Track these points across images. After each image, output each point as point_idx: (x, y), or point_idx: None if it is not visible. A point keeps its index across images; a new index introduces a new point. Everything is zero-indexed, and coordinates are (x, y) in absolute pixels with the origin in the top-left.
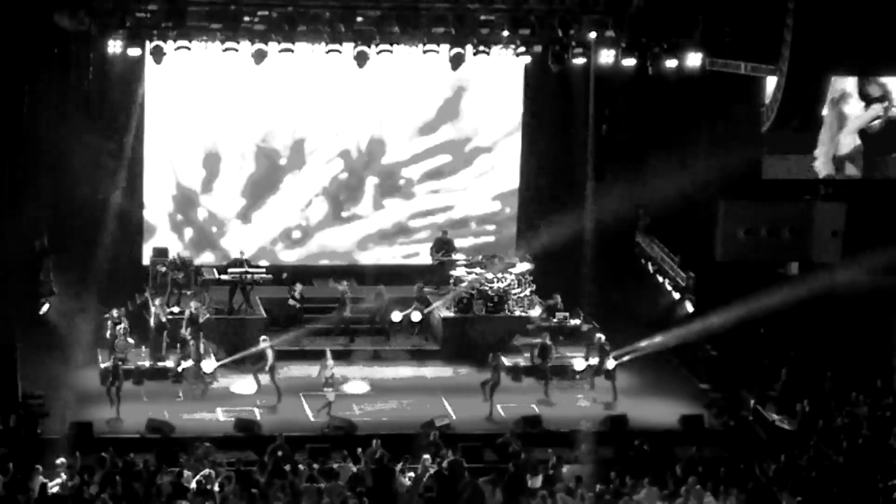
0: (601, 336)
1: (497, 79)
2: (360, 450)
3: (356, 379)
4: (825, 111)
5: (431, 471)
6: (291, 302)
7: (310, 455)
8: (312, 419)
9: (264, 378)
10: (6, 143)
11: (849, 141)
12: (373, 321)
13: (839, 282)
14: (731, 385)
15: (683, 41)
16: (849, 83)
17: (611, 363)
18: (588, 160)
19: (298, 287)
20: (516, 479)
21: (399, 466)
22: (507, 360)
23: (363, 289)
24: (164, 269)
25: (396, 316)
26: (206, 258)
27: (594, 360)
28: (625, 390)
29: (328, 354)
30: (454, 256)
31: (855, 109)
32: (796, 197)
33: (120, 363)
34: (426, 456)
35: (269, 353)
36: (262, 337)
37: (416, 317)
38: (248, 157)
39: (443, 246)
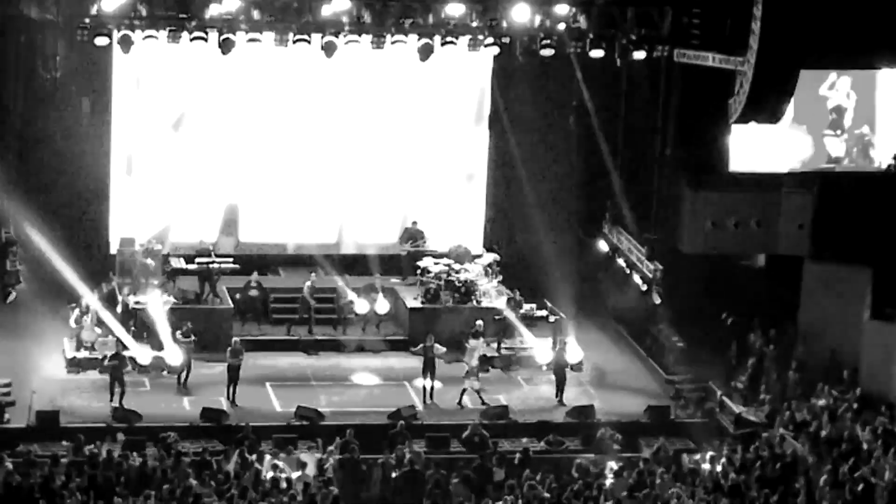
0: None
1: (465, 69)
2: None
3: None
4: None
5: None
6: (252, 293)
7: (276, 445)
8: (280, 411)
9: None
10: None
11: None
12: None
13: None
14: (698, 376)
15: (651, 32)
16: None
17: (575, 355)
18: (557, 151)
19: (255, 276)
20: (483, 471)
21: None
22: (440, 347)
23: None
24: (131, 257)
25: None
26: (174, 247)
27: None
28: (593, 381)
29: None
30: (424, 247)
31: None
32: (763, 189)
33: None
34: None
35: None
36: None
37: (382, 307)
38: (218, 145)
39: (412, 236)
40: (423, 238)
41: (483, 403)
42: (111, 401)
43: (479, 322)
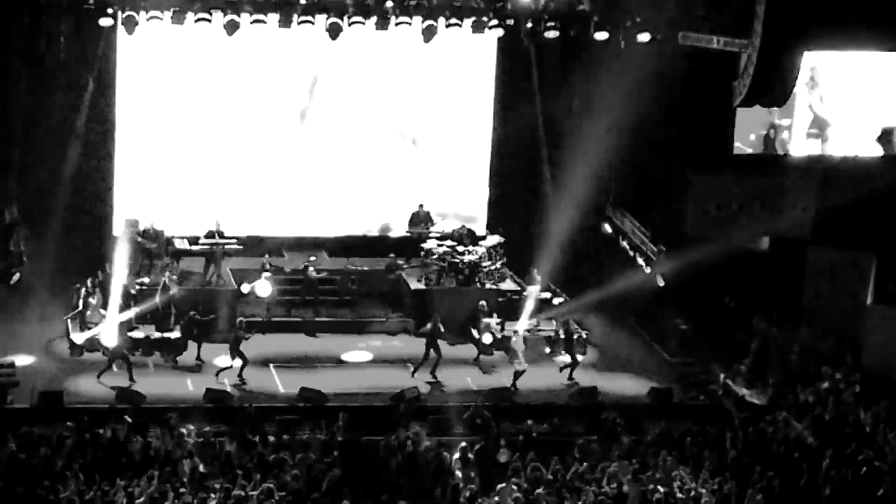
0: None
1: (469, 52)
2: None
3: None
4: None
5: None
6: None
7: (279, 426)
8: (282, 391)
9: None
10: None
11: None
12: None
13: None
14: (701, 359)
15: (655, 15)
16: None
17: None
18: (561, 133)
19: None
20: (487, 453)
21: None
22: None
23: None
24: (136, 238)
25: None
26: (178, 229)
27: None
28: (595, 363)
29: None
30: (432, 230)
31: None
32: (767, 172)
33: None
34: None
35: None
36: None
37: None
38: (221, 128)
39: (420, 219)
40: (431, 221)
41: (514, 386)
42: (130, 380)
43: (482, 302)
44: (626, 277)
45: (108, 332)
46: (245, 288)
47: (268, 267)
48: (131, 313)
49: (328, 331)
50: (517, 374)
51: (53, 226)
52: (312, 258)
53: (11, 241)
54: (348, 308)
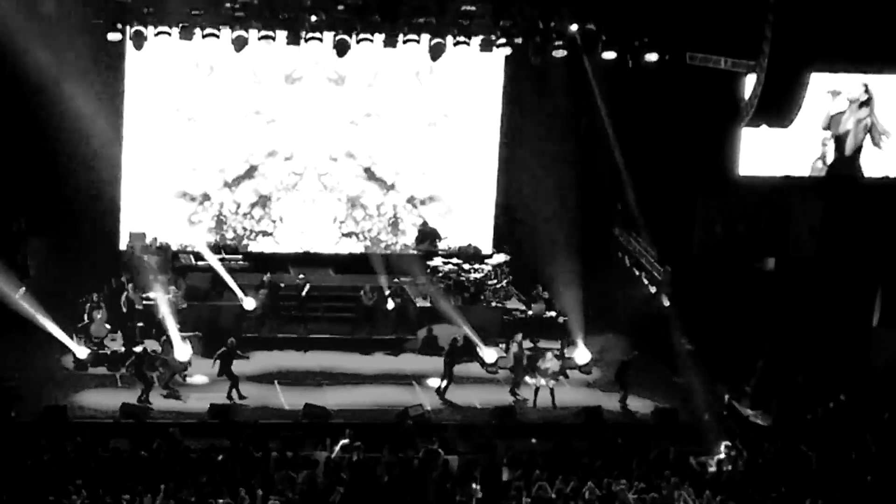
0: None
1: (477, 70)
2: (328, 440)
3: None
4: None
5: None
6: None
7: (283, 443)
8: (287, 407)
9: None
10: None
11: None
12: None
13: None
14: (707, 379)
15: (664, 35)
16: None
17: (583, 357)
18: (568, 153)
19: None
20: (492, 471)
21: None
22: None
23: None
24: (140, 253)
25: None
26: (184, 243)
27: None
28: (600, 382)
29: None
30: (439, 246)
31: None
32: (774, 193)
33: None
34: None
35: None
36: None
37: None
38: (227, 143)
39: (427, 237)
40: (437, 237)
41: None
42: (140, 398)
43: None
44: (631, 297)
45: (178, 348)
46: (249, 304)
47: (265, 282)
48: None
49: (329, 348)
50: (536, 391)
51: (60, 239)
52: (301, 276)
53: (19, 254)
54: (347, 325)
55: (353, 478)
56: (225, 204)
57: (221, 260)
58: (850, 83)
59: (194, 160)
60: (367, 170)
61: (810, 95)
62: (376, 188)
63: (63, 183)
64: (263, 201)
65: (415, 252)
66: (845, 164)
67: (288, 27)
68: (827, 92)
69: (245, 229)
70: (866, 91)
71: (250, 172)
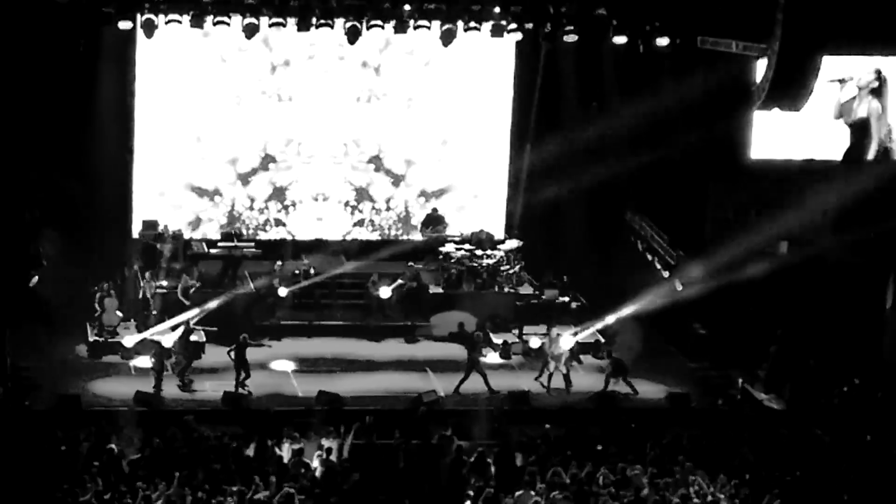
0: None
1: (487, 55)
2: (342, 428)
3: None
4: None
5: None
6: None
7: (297, 429)
8: (300, 394)
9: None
10: None
11: None
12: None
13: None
14: (720, 364)
15: (675, 19)
16: None
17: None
18: (580, 137)
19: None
20: (505, 457)
21: None
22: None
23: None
24: (153, 241)
25: (385, 292)
26: (197, 232)
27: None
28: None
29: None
30: (446, 233)
31: None
32: (787, 176)
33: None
34: None
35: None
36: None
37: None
38: (238, 131)
39: (432, 222)
40: (443, 224)
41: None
42: (154, 388)
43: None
44: (644, 282)
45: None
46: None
47: (277, 270)
48: (189, 316)
49: (344, 335)
50: (550, 377)
51: (72, 228)
52: (306, 261)
53: (32, 243)
54: (359, 311)
55: (367, 464)
56: (238, 199)
57: (234, 248)
58: (859, 69)
59: (205, 151)
60: (375, 158)
61: (821, 79)
62: (385, 180)
63: (76, 172)
64: (278, 193)
65: (423, 238)
66: (861, 150)
67: (298, 14)
68: (832, 80)
69: (259, 223)
70: (878, 78)
71: (265, 163)
